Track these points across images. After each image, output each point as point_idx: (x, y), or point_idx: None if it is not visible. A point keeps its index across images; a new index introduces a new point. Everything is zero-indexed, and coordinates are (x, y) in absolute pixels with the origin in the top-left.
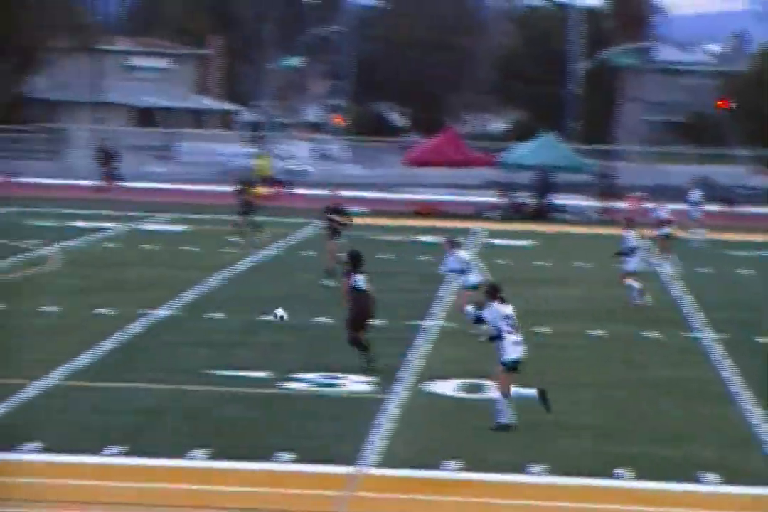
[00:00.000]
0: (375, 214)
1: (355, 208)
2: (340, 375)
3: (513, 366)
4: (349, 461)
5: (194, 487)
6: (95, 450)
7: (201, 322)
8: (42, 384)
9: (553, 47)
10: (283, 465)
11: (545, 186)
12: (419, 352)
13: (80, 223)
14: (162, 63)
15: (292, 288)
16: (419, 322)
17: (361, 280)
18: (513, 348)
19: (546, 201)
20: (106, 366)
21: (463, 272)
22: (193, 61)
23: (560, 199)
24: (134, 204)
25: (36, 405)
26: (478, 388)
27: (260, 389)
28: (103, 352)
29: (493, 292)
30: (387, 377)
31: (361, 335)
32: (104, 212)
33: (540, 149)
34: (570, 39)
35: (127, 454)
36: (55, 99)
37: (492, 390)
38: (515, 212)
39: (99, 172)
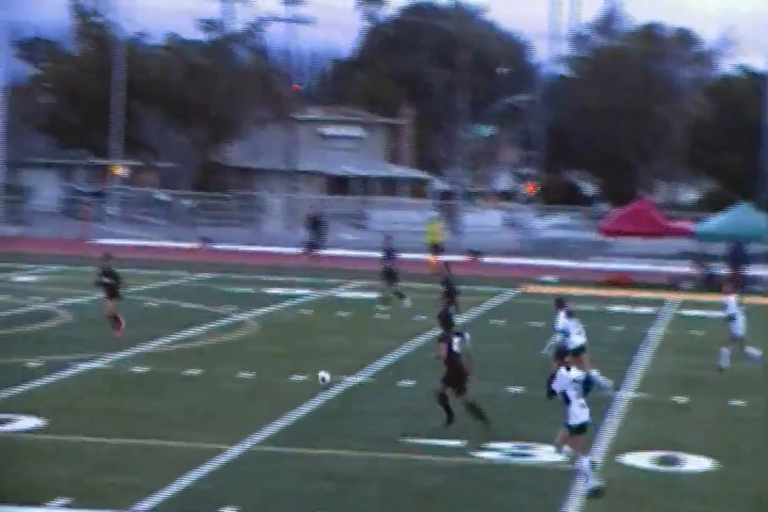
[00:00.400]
0: (566, 283)
1: (548, 277)
2: (532, 444)
3: (580, 430)
4: None
5: None
6: None
7: (393, 390)
8: (238, 449)
9: (746, 116)
10: None
11: (739, 257)
12: (612, 423)
13: (275, 290)
14: (355, 132)
15: (483, 357)
16: (611, 393)
17: (456, 343)
18: (580, 411)
19: (740, 272)
20: (301, 433)
21: (565, 335)
22: (385, 129)
23: (754, 270)
24: (328, 271)
25: (232, 470)
26: (672, 461)
27: (453, 458)
28: (298, 418)
29: (561, 359)
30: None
31: (463, 397)
32: (298, 279)
33: (734, 220)
34: (764, 108)
35: None
36: (250, 167)
37: (688, 463)
38: (709, 283)
39: (308, 239)
